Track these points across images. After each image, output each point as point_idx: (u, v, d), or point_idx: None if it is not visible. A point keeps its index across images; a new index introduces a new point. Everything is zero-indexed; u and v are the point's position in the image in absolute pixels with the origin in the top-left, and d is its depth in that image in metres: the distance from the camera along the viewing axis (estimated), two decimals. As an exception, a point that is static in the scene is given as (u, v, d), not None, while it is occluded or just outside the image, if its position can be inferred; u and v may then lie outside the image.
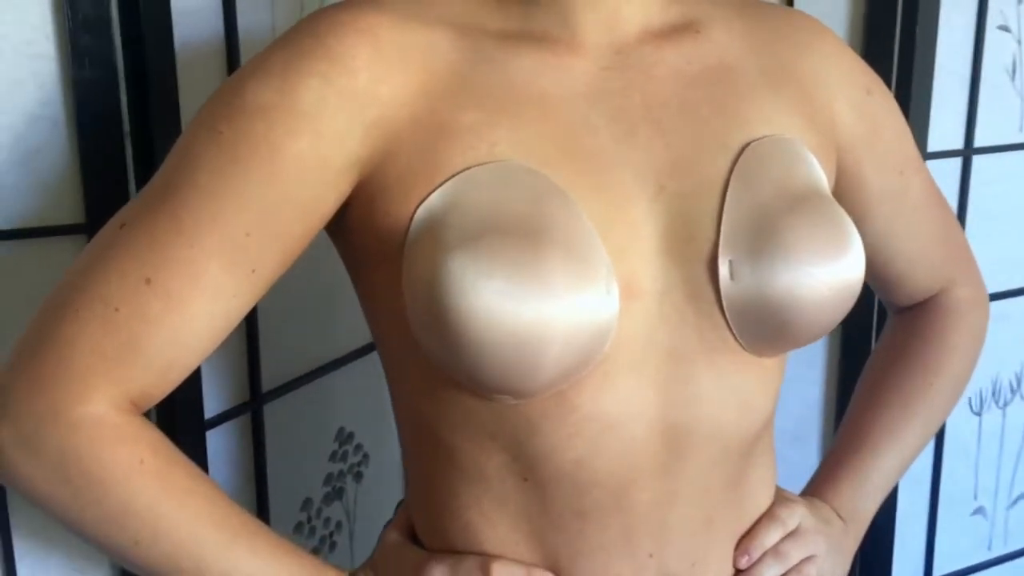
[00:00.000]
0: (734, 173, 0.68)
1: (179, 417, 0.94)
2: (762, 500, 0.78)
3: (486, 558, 0.70)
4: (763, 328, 0.68)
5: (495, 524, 0.71)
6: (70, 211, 0.85)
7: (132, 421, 0.65)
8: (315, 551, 1.19)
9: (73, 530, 0.67)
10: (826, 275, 0.67)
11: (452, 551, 0.72)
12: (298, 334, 1.09)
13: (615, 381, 0.66)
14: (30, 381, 0.63)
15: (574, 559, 0.70)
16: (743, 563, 0.75)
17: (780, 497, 0.81)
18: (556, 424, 0.66)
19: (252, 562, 0.68)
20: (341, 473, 1.20)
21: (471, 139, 0.65)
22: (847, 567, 0.85)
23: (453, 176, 0.64)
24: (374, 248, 0.68)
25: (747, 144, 0.70)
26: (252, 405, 1.06)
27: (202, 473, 0.69)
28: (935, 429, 0.93)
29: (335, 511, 1.22)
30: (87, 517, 0.65)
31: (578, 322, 0.62)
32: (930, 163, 1.28)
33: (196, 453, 0.97)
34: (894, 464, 0.88)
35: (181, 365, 0.66)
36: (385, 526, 0.80)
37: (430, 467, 0.73)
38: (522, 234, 0.61)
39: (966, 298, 0.91)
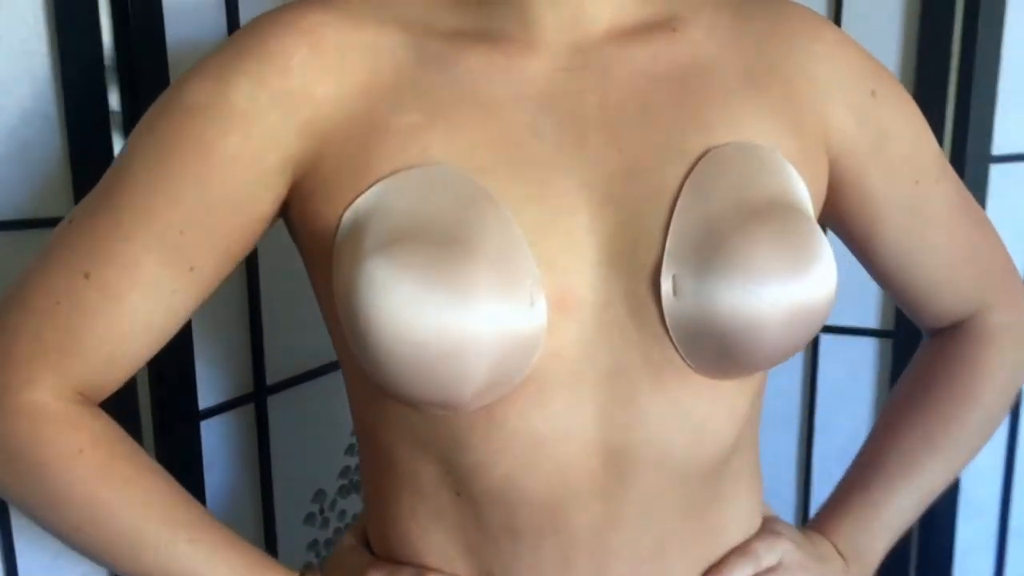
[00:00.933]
0: (688, 181, 0.64)
1: (170, 408, 0.96)
2: (735, 532, 0.73)
3: (421, 569, 0.70)
4: (708, 349, 0.63)
5: (432, 536, 0.70)
6: (60, 204, 0.87)
7: (75, 410, 0.66)
8: (329, 542, 1.20)
9: (22, 512, 0.69)
10: (778, 296, 0.61)
11: (394, 559, 0.72)
12: (310, 328, 1.11)
13: (547, 397, 0.63)
14: None
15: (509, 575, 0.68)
16: None
17: (766, 529, 0.76)
18: (484, 438, 0.64)
19: (192, 556, 0.68)
20: (358, 466, 1.21)
21: (404, 142, 0.63)
22: None
23: (381, 179, 0.62)
24: (310, 250, 0.68)
25: (707, 150, 0.65)
26: (255, 397, 1.07)
27: (152, 464, 0.70)
28: (960, 466, 0.83)
29: (352, 504, 1.23)
30: (31, 501, 0.67)
31: (497, 334, 0.59)
32: (996, 168, 1.19)
33: (191, 443, 1.00)
34: (910, 503, 0.81)
35: (125, 358, 0.66)
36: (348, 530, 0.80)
37: (375, 474, 0.73)
38: (441, 241, 0.59)
39: (1004, 324, 0.82)
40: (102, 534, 0.67)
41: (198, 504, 0.71)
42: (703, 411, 0.66)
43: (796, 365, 1.29)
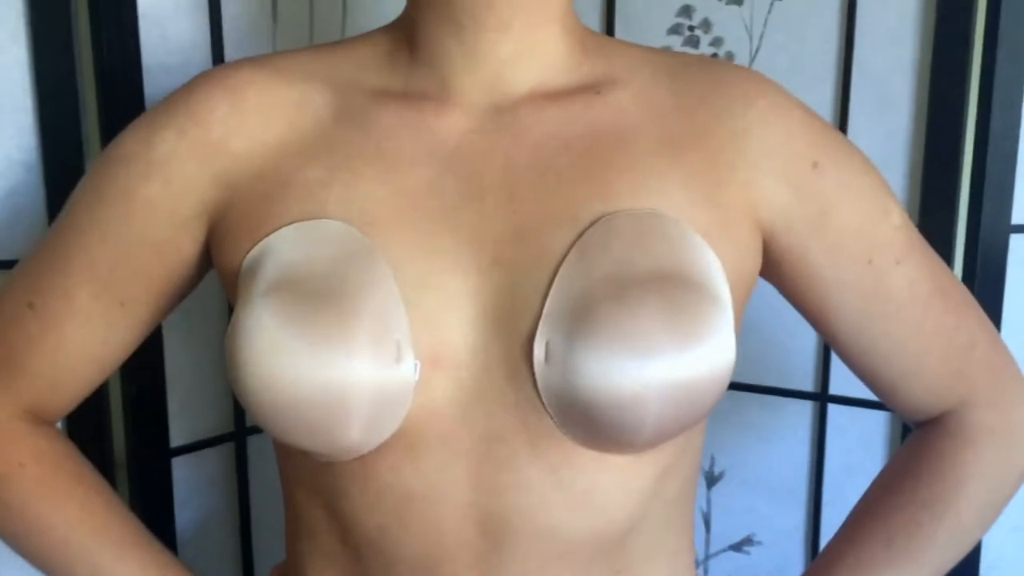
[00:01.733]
0: (574, 248, 0.62)
1: (143, 444, 1.01)
2: None
3: None
4: (579, 421, 0.61)
5: None
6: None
7: (22, 428, 0.73)
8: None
9: None
10: (647, 371, 0.58)
11: None
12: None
13: (420, 454, 0.63)
14: None
15: None
16: None
17: None
18: (360, 489, 0.65)
19: (119, 569, 0.73)
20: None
21: (303, 195, 0.65)
22: None
23: (274, 231, 0.65)
24: (228, 295, 0.71)
25: (600, 217, 0.63)
26: (235, 436, 1.11)
27: (96, 483, 0.75)
28: (934, 574, 0.75)
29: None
30: None
31: (358, 388, 0.59)
32: (1016, 237, 1.12)
33: (162, 479, 1.04)
34: None
35: (68, 383, 0.73)
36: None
37: (286, 514, 0.75)
38: (314, 292, 0.60)
39: (984, 425, 0.74)
40: (37, 543, 0.73)
41: (136, 522, 0.76)
42: (586, 483, 0.63)
43: (804, 437, 1.24)
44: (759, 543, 1.26)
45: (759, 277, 0.71)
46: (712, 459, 1.28)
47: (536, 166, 0.66)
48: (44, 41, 0.91)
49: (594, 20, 1.22)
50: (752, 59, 1.15)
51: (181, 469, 1.08)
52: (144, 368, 1.00)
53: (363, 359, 0.59)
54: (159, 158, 0.68)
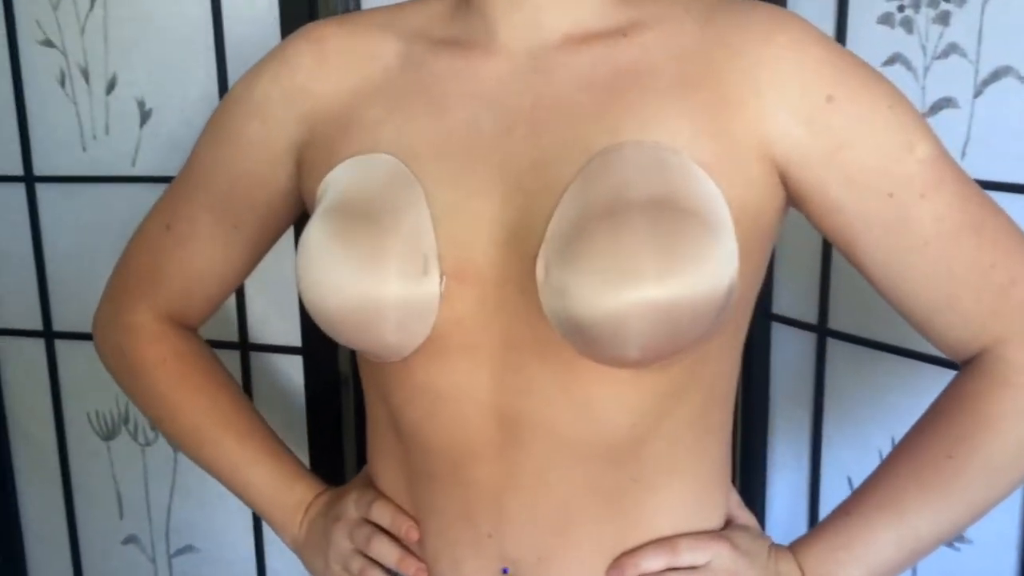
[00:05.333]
0: (579, 176, 0.67)
1: None
2: (664, 523, 0.74)
3: (375, 496, 0.81)
4: (575, 334, 0.65)
5: (386, 470, 0.81)
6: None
7: (165, 329, 0.88)
8: None
9: (133, 403, 0.93)
10: (628, 292, 0.61)
11: (373, 487, 0.83)
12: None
13: (446, 358, 0.70)
14: (105, 292, 0.92)
15: (427, 518, 0.77)
16: None
17: (711, 531, 0.76)
18: (400, 387, 0.74)
19: (238, 453, 0.88)
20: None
21: (363, 133, 0.74)
22: None
23: (340, 163, 0.74)
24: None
25: (605, 148, 0.67)
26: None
27: (224, 380, 0.91)
28: (957, 516, 0.74)
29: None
30: (133, 393, 0.91)
31: (388, 298, 0.67)
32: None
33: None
34: (888, 539, 0.74)
35: (198, 292, 0.87)
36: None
37: (366, 412, 0.84)
38: (356, 214, 0.69)
39: (1021, 364, 0.72)
40: (174, 427, 0.89)
41: (256, 415, 0.91)
42: (587, 393, 0.69)
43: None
44: (970, 541, 1.17)
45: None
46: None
47: (559, 103, 0.71)
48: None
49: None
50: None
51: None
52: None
53: (392, 272, 0.67)
54: (257, 100, 0.80)
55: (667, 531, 0.74)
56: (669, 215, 0.63)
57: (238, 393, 0.92)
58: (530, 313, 0.68)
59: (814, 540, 0.77)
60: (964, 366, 0.75)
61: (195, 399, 0.88)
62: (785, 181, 0.70)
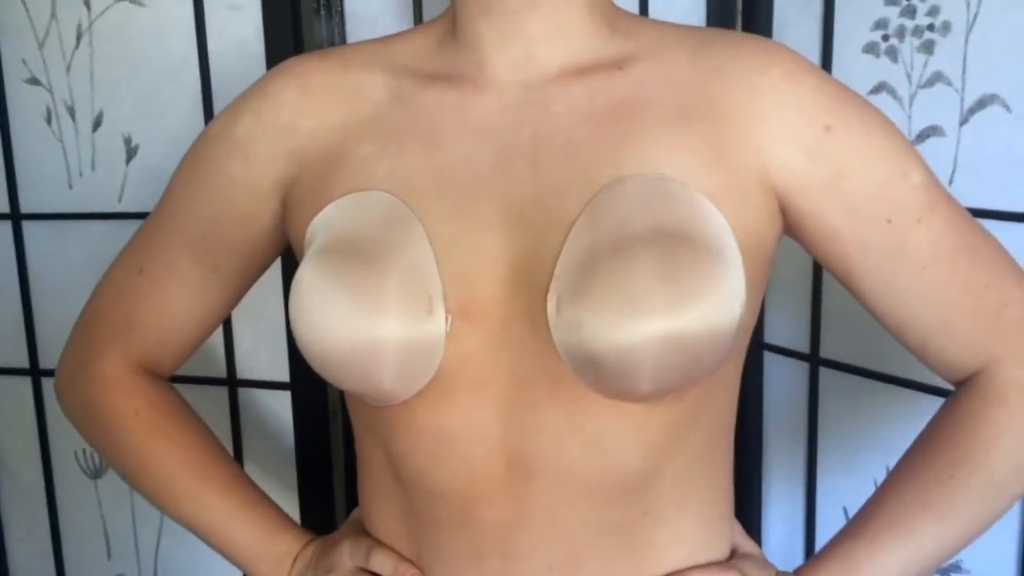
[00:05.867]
0: (585, 210, 0.67)
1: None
2: (676, 555, 0.74)
3: (374, 544, 0.78)
4: (587, 368, 0.65)
5: (384, 516, 0.78)
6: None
7: (138, 379, 0.83)
8: None
9: (102, 456, 0.89)
10: (641, 326, 0.61)
11: (367, 534, 0.81)
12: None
13: (453, 399, 0.69)
14: (69, 342, 0.87)
15: (432, 564, 0.75)
16: None
17: (723, 562, 0.76)
18: (404, 431, 0.71)
19: (219, 507, 0.83)
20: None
21: (355, 170, 0.72)
22: None
23: (332, 200, 0.72)
24: (298, 259, 0.76)
25: (610, 182, 0.68)
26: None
27: (200, 431, 0.86)
28: (963, 537, 0.75)
29: None
30: (102, 448, 0.86)
31: (396, 338, 0.65)
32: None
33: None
34: (895, 561, 0.74)
35: (173, 339, 0.83)
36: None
37: (358, 458, 0.82)
38: (355, 254, 0.67)
39: (1017, 383, 0.73)
40: (149, 482, 0.84)
41: (235, 466, 0.86)
42: (598, 428, 0.68)
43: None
44: (967, 572, 1.16)
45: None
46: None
47: (558, 136, 0.70)
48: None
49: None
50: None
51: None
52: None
53: (401, 312, 0.66)
54: (239, 138, 0.77)
55: (679, 564, 0.74)
56: (678, 247, 0.63)
57: (215, 443, 0.87)
58: (539, 349, 0.67)
59: (822, 565, 0.76)
60: (959, 387, 0.76)
61: (171, 450, 0.84)
62: (784, 209, 0.71)
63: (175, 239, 0.81)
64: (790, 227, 0.73)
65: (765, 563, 0.79)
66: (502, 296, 0.68)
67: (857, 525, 0.77)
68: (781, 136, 0.69)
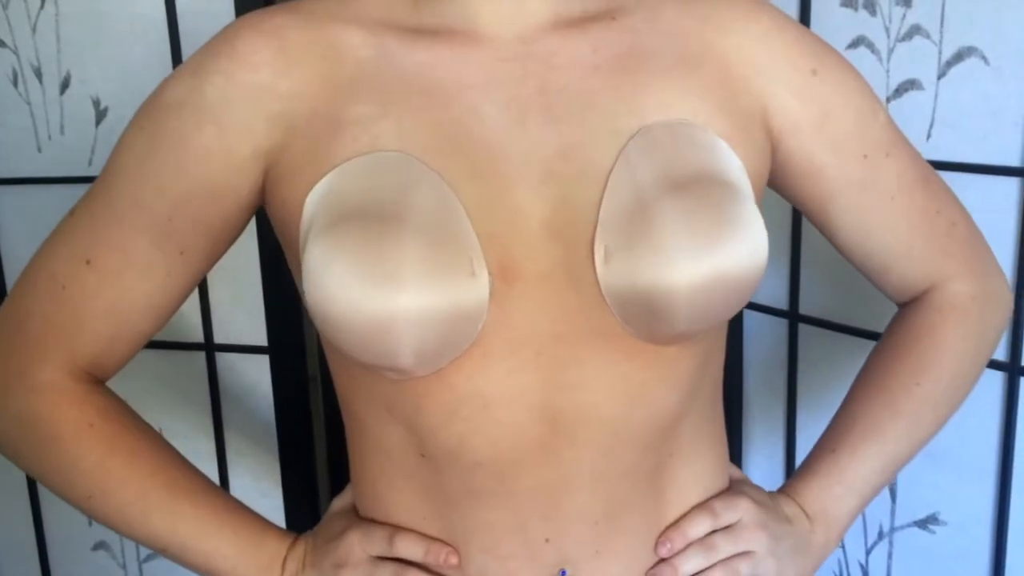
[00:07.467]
0: (619, 159, 0.67)
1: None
2: (693, 491, 0.76)
3: (394, 529, 0.74)
4: (639, 314, 0.65)
5: (402, 497, 0.73)
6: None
7: (85, 388, 0.73)
8: None
9: (42, 483, 0.76)
10: (697, 265, 0.63)
11: (372, 520, 0.76)
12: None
13: (492, 362, 0.66)
14: None
15: (470, 537, 0.71)
16: (664, 551, 0.73)
17: (730, 490, 0.78)
18: (437, 402, 0.67)
19: (194, 519, 0.74)
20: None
21: (357, 131, 0.67)
22: (814, 567, 0.81)
23: (335, 167, 0.66)
24: (283, 235, 0.72)
25: (639, 130, 0.68)
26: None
27: (156, 438, 0.77)
28: (927, 434, 0.83)
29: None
30: (47, 472, 0.75)
31: (434, 306, 0.62)
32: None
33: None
34: (874, 467, 0.81)
35: (127, 336, 0.73)
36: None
37: (352, 440, 0.78)
38: (381, 219, 0.63)
39: (965, 293, 0.81)
40: (113, 502, 0.73)
41: (200, 473, 0.78)
42: (641, 376, 0.68)
43: (993, 410, 1.11)
44: (944, 523, 1.17)
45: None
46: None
47: (569, 88, 0.69)
48: None
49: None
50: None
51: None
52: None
53: (438, 278, 0.62)
54: (210, 103, 0.69)
55: (697, 500, 0.76)
56: (715, 188, 0.66)
57: (172, 449, 0.78)
58: (581, 302, 0.66)
59: (807, 480, 0.81)
60: (907, 305, 0.84)
61: (137, 464, 0.74)
62: (774, 151, 0.75)
63: (130, 221, 0.71)
64: (774, 169, 0.76)
65: (756, 486, 0.82)
66: (536, 253, 0.66)
67: (833, 439, 0.82)
68: (777, 80, 0.74)
